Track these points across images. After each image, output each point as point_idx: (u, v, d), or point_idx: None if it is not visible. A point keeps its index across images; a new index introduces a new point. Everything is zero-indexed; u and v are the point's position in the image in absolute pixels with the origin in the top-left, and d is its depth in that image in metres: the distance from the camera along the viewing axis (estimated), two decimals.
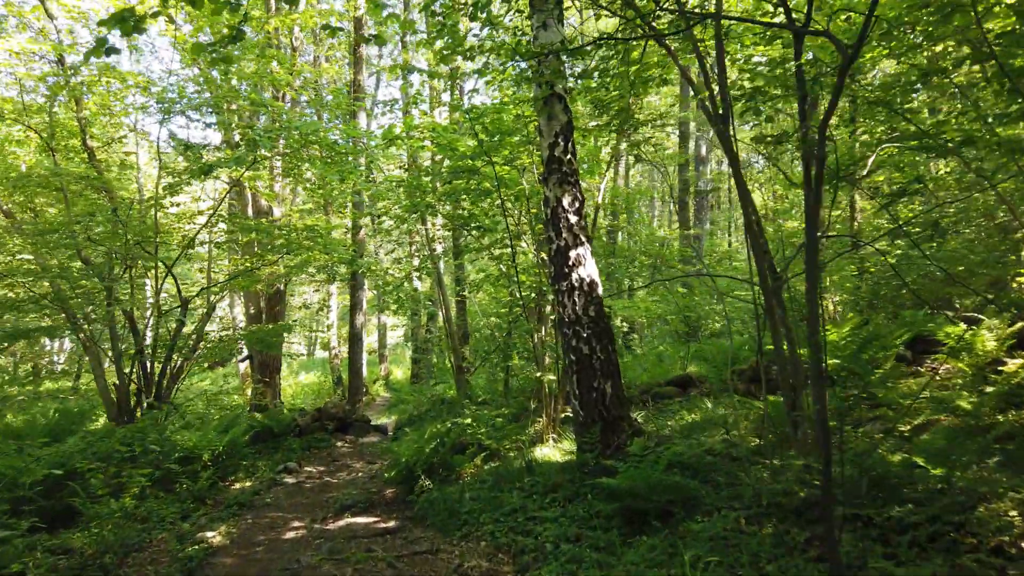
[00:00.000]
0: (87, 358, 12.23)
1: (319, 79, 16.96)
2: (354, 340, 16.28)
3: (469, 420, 7.96)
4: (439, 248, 13.23)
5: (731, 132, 5.34)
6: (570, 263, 6.92)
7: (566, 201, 7.07)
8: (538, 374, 7.87)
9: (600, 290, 6.98)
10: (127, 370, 11.49)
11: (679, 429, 7.77)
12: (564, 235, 6.99)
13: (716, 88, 5.43)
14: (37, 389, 21.49)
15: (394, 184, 10.73)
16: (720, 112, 5.34)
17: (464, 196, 9.76)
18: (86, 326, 11.96)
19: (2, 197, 11.35)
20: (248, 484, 8.75)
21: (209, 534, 6.50)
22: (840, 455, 4.63)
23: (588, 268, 6.95)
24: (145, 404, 11.22)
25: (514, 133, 7.98)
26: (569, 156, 7.18)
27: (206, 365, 23.90)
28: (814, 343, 3.33)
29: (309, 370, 30.33)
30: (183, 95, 10.77)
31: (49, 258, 11.40)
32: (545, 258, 9.02)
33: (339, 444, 11.35)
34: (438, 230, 13.02)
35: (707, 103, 5.60)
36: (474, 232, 9.98)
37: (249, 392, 16.42)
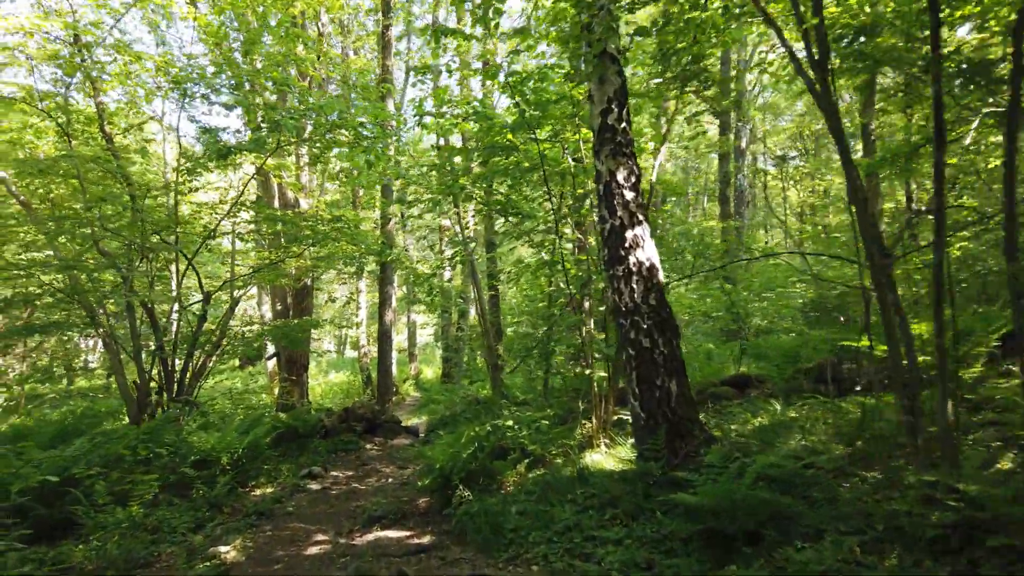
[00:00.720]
0: (108, 355, 11.72)
1: (346, 71, 16.33)
2: (383, 337, 15.60)
3: (510, 422, 7.16)
4: (471, 237, 12.40)
5: (829, 80, 4.46)
6: (626, 245, 6.09)
7: (621, 175, 6.24)
8: (587, 371, 7.05)
9: (661, 275, 6.14)
10: (147, 367, 10.94)
11: (747, 434, 6.88)
12: (619, 213, 6.16)
13: (812, 28, 4.56)
14: (68, 388, 21.25)
15: (425, 169, 9.97)
16: (816, 58, 4.46)
17: (501, 178, 8.99)
18: (105, 321, 11.45)
19: (19, 187, 10.86)
20: (269, 490, 8.06)
21: (223, 549, 5.80)
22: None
23: (647, 250, 6.11)
24: (165, 403, 10.68)
25: (559, 102, 7.16)
26: (624, 124, 6.35)
27: (236, 364, 23.51)
28: None
29: (338, 369, 29.83)
30: (203, 76, 10.15)
31: (66, 249, 10.90)
32: (592, 243, 8.19)
33: (368, 447, 10.63)
34: (470, 217, 12.24)
35: (795, 49, 4.73)
36: (512, 218, 9.17)
37: (276, 391, 15.85)
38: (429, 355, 36.39)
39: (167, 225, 10.55)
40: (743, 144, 23.34)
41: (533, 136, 7.30)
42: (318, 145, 11.78)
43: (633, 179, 6.27)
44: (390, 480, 8.49)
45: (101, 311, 11.23)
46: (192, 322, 11.76)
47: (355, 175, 12.42)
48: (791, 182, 32.46)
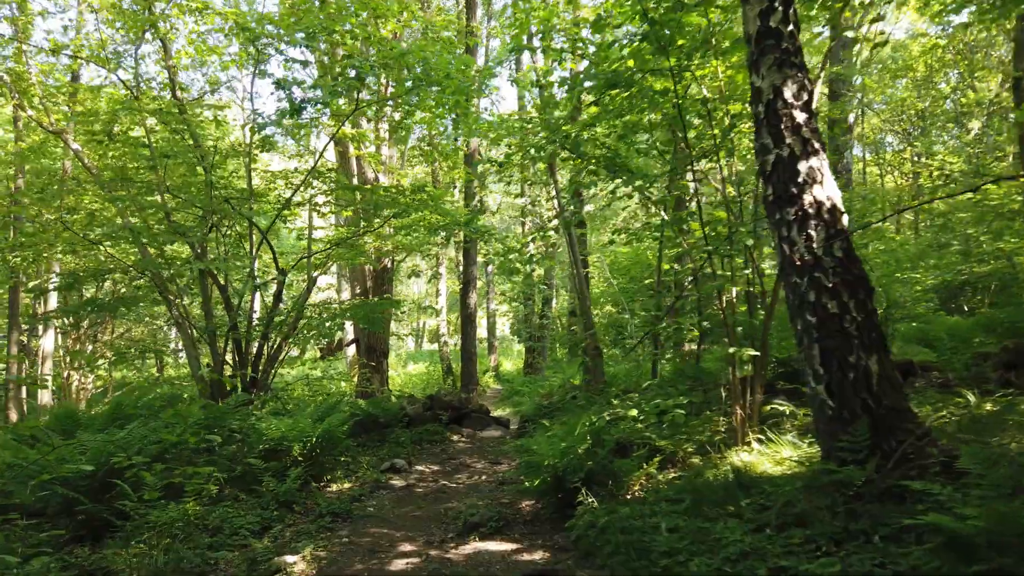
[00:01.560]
0: (181, 336, 11.07)
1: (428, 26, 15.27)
2: (467, 322, 14.49)
3: (633, 411, 5.82)
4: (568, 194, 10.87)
5: None
6: (799, 180, 4.63)
7: (788, 91, 4.78)
8: (731, 349, 5.62)
9: (846, 220, 4.66)
10: (221, 349, 10.20)
11: (948, 431, 5.32)
12: (788, 140, 4.71)
13: None
14: (159, 376, 21.21)
15: (518, 124, 8.72)
16: None
17: (610, 124, 7.67)
18: (178, 299, 10.79)
19: (91, 158, 10.24)
20: (347, 486, 7.01)
21: (290, 559, 4.72)
22: None
23: (827, 187, 4.64)
24: (239, 387, 9.92)
25: (699, 6, 5.71)
26: (791, 27, 4.89)
27: (317, 355, 23.04)
28: None
29: (416, 361, 29.18)
30: (275, 25, 9.23)
31: (134, 218, 10.29)
32: (731, 192, 6.73)
33: (454, 438, 9.49)
34: (556, 191, 10.89)
35: None
36: (621, 176, 7.82)
37: (356, 379, 15.05)
38: (506, 348, 35.39)
39: (239, 195, 9.74)
40: (850, 119, 21.25)
41: (669, 69, 5.89)
42: (401, 108, 10.76)
43: (805, 96, 4.80)
44: (483, 477, 7.29)
45: (174, 290, 10.58)
46: (267, 300, 11.00)
47: (439, 140, 11.29)
48: (889, 167, 29.70)
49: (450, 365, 22.37)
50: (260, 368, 10.19)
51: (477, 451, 8.77)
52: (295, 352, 15.17)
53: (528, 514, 5.54)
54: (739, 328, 6.07)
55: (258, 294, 13.70)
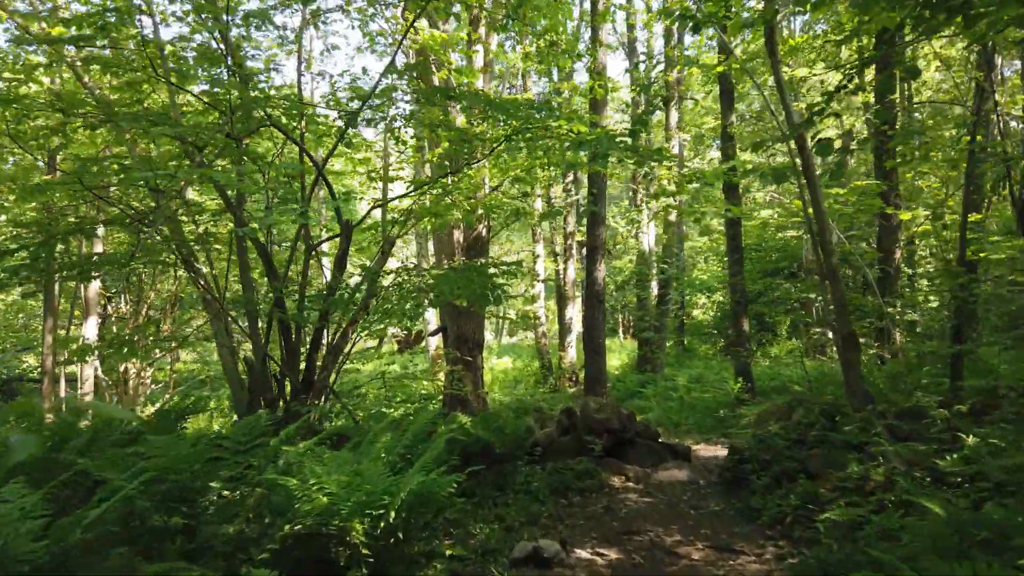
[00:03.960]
0: (207, 314, 7.88)
1: None
2: (592, 302, 10.78)
3: None
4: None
5: None
6: None
7: None
8: None
9: None
10: (263, 334, 7.00)
11: None
12: None
13: None
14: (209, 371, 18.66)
15: None
16: None
17: None
18: (205, 268, 7.66)
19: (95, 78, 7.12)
20: None
21: None
22: None
23: None
24: (287, 392, 6.79)
25: None
26: None
27: (395, 348, 19.80)
28: None
29: (500, 355, 25.71)
30: None
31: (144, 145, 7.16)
32: None
33: (615, 482, 5.80)
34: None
35: None
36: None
37: (441, 376, 11.65)
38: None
39: (284, 102, 6.40)
40: None
41: None
42: None
43: None
44: None
45: (196, 248, 7.45)
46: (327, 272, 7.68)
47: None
48: None
49: (550, 360, 18.86)
50: (316, 363, 6.91)
51: (668, 513, 5.04)
52: (370, 344, 11.98)
53: None
54: None
55: (325, 263, 10.50)
